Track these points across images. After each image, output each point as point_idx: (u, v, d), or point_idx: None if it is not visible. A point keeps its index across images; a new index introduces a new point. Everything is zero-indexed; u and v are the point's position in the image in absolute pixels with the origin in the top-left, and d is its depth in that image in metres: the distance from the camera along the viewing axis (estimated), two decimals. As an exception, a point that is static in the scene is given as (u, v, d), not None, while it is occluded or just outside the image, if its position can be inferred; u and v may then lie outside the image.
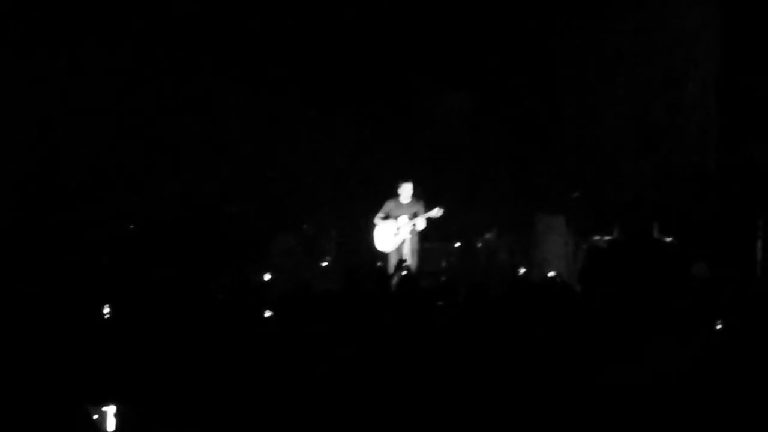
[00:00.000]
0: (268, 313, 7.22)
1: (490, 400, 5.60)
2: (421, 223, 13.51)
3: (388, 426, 5.49)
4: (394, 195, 13.71)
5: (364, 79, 16.08)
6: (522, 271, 13.99)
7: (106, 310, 7.27)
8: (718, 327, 6.95)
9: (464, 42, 15.88)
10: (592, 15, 15.26)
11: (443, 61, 16.01)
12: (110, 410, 5.11)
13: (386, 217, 13.61)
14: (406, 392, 5.65)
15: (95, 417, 5.03)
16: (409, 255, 13.32)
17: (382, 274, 10.42)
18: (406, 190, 13.65)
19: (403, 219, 13.49)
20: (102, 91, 15.10)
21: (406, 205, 13.63)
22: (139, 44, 15.33)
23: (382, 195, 13.86)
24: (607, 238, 13.18)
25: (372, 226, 13.73)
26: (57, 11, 14.82)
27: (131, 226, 14.97)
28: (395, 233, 13.50)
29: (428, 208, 13.56)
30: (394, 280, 10.30)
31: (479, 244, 15.91)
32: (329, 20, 15.91)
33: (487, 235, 15.85)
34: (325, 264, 15.71)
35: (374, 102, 16.24)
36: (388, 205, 13.68)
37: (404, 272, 11.32)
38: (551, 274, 12.02)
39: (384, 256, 13.67)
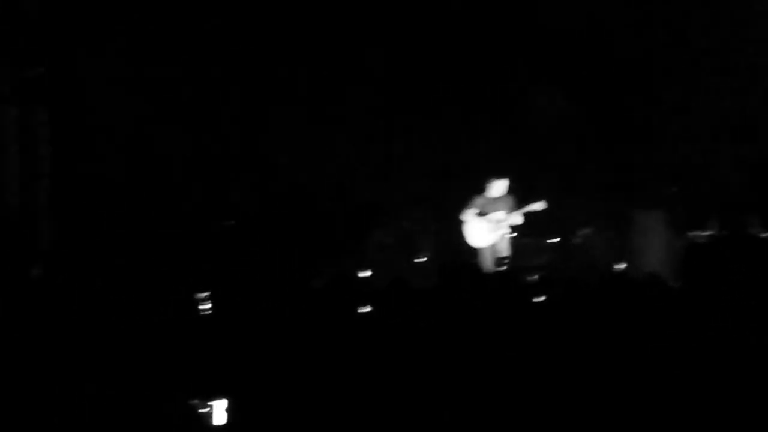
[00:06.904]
0: (366, 309, 7.28)
1: (586, 396, 5.61)
2: (519, 218, 13.45)
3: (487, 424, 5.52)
4: (486, 191, 13.66)
5: (460, 75, 16.07)
6: (619, 267, 13.88)
7: (208, 306, 7.39)
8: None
9: (558, 34, 15.79)
10: (688, 7, 15.12)
11: (537, 54, 15.94)
12: (219, 404, 5.21)
13: (480, 214, 13.56)
14: (510, 388, 5.68)
15: (203, 411, 5.14)
16: (505, 251, 13.29)
17: (478, 271, 10.42)
18: (497, 187, 13.59)
19: (500, 215, 13.44)
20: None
21: (498, 201, 13.56)
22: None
23: (479, 190, 13.83)
24: (706, 233, 12.99)
25: (464, 222, 13.68)
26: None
27: (231, 222, 15.15)
28: (493, 229, 13.46)
29: (521, 203, 13.50)
30: (491, 276, 10.29)
31: (576, 240, 15.81)
32: (418, 18, 15.89)
33: (584, 231, 15.74)
34: (421, 260, 15.73)
35: (469, 98, 16.21)
36: (479, 201, 13.61)
37: (502, 269, 11.32)
38: (649, 270, 11.91)
39: (479, 253, 13.64)
